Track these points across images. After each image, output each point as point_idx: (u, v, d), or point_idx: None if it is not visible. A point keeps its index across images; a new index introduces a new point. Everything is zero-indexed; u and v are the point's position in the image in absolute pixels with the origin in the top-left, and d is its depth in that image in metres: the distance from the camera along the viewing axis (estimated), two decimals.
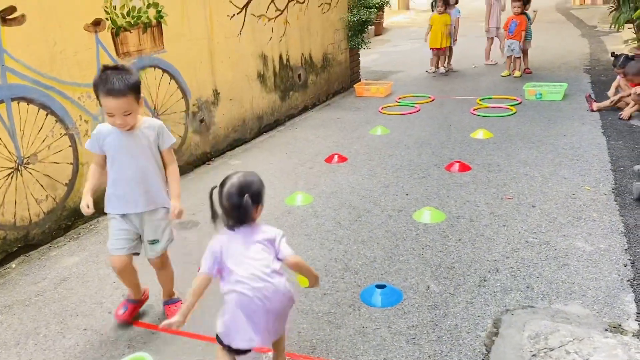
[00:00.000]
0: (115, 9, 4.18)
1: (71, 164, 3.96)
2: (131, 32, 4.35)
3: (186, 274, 3.29)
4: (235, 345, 2.07)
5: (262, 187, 2.13)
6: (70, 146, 3.93)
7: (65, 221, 3.97)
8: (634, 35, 8.31)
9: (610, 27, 8.70)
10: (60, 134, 3.85)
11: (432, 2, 9.17)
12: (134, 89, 2.43)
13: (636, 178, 4.15)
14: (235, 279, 2.03)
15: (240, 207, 2.04)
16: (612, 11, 8.18)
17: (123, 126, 2.51)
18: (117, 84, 2.36)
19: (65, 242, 3.85)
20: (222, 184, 2.09)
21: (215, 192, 2.11)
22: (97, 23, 4.04)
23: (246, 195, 2.04)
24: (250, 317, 2.03)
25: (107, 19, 4.12)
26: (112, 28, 4.18)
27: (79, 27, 3.92)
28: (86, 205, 2.55)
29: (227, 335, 2.07)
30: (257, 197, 2.10)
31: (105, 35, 4.13)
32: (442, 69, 9.08)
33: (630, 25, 8.19)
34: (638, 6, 7.22)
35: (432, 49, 9.01)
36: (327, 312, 2.83)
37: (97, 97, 2.44)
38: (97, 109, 4.11)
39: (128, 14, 4.29)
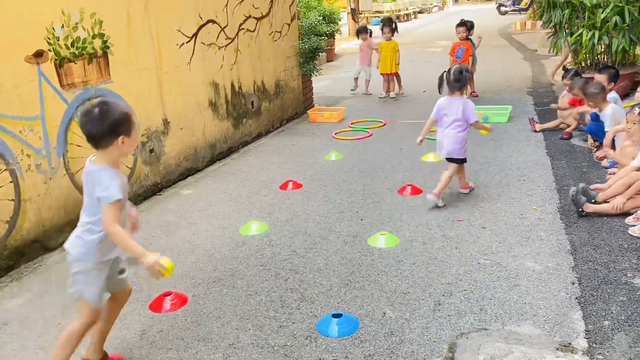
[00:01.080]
0: (58, 40, 4.07)
1: (12, 200, 3.79)
2: (76, 63, 4.24)
3: (135, 315, 3.18)
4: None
5: None
6: (11, 182, 3.77)
7: (7, 261, 3.78)
8: (571, 59, 8.74)
9: (549, 51, 9.12)
10: (0, 170, 3.69)
11: (380, 28, 9.40)
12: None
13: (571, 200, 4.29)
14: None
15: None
16: (550, 36, 8.58)
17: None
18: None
19: (6, 283, 3.65)
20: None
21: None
22: (39, 54, 3.92)
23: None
24: None
25: (49, 50, 4.01)
26: (56, 59, 4.07)
27: (20, 59, 3.79)
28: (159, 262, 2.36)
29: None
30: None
31: (48, 67, 4.01)
32: (392, 94, 9.27)
33: (567, 48, 8.61)
34: (573, 32, 7.62)
35: (382, 74, 9.22)
36: (283, 345, 2.77)
37: (129, 130, 2.40)
38: (40, 142, 3.96)
39: (72, 44, 4.19)
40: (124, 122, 2.36)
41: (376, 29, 10.74)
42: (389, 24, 9.13)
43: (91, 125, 2.32)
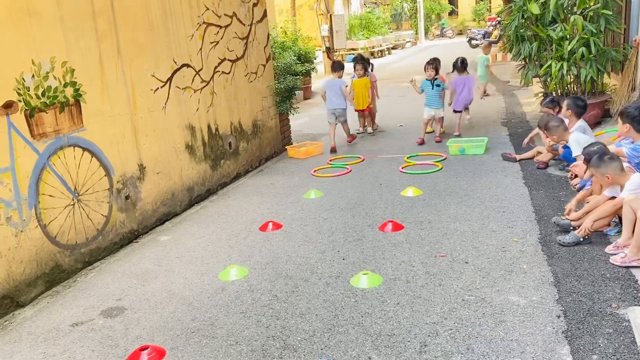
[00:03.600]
0: (28, 90, 4.02)
1: None
2: (47, 113, 4.18)
3: None
4: None
5: None
6: None
7: None
8: (542, 89, 8.94)
9: (520, 83, 9.33)
10: None
11: (353, 66, 9.53)
12: None
13: (556, 229, 4.34)
14: None
15: None
16: (521, 69, 8.79)
17: None
18: None
19: None
20: None
21: None
22: (8, 105, 3.85)
23: None
24: None
25: (20, 100, 3.94)
26: (26, 109, 4.00)
27: None
28: None
29: None
30: None
31: (18, 117, 3.94)
32: (369, 129, 9.34)
33: (538, 79, 8.82)
34: (542, 63, 7.81)
35: (357, 110, 9.29)
36: None
37: None
38: (10, 194, 3.86)
39: (43, 94, 4.14)
40: None
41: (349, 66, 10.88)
42: (361, 62, 9.26)
43: None
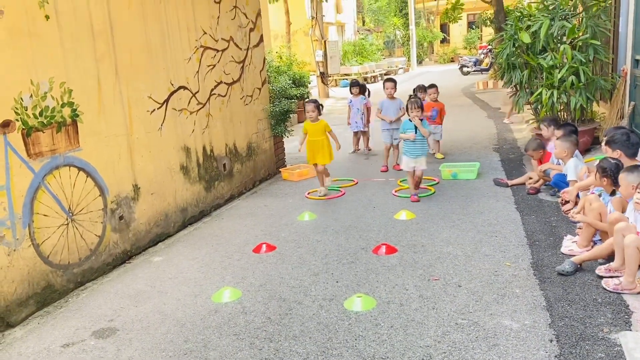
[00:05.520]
0: (26, 110, 4.04)
1: None
2: (44, 132, 4.20)
3: None
4: None
5: None
6: None
7: None
8: (533, 116, 9.09)
9: (511, 110, 9.48)
10: None
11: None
12: None
13: (548, 253, 4.37)
14: None
15: None
16: (512, 96, 8.95)
17: None
18: None
19: None
20: None
21: None
22: (5, 124, 3.87)
23: None
24: None
25: (17, 119, 3.97)
26: (23, 129, 4.02)
27: None
28: None
29: None
30: None
31: (15, 136, 3.96)
32: (365, 150, 9.54)
33: (529, 106, 8.98)
34: (533, 91, 7.97)
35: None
36: None
37: None
38: (4, 213, 3.85)
39: (41, 114, 4.17)
40: None
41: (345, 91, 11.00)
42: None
43: None
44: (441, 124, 8.71)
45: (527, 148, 6.57)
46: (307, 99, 7.54)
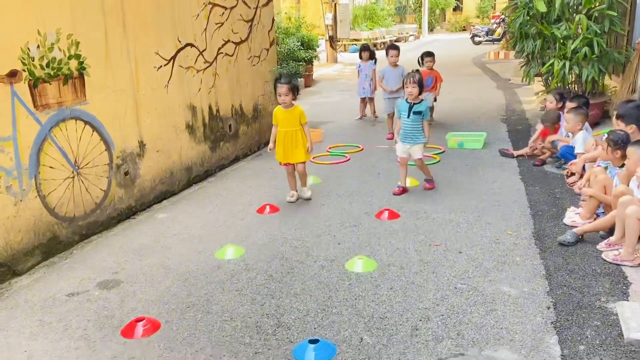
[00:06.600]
0: (33, 60, 4.02)
1: None
2: (50, 84, 4.18)
3: (106, 341, 3.09)
4: None
5: None
6: None
7: None
8: (543, 88, 8.99)
9: (522, 80, 9.36)
10: None
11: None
12: None
13: (550, 223, 4.39)
14: None
15: None
16: (523, 66, 8.82)
17: None
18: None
19: None
20: None
21: None
22: (13, 74, 3.85)
23: None
24: None
25: (24, 70, 3.94)
26: (30, 79, 4.00)
27: None
28: None
29: None
30: None
31: (22, 87, 3.94)
32: (372, 117, 9.48)
33: (540, 78, 8.86)
34: (545, 62, 7.85)
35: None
36: None
37: None
38: (11, 163, 3.87)
39: (47, 65, 4.14)
40: None
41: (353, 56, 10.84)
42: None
43: None
44: (435, 91, 8.59)
45: (545, 120, 6.43)
46: (278, 78, 5.55)
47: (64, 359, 2.91)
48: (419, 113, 5.27)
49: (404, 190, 5.43)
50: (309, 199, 5.38)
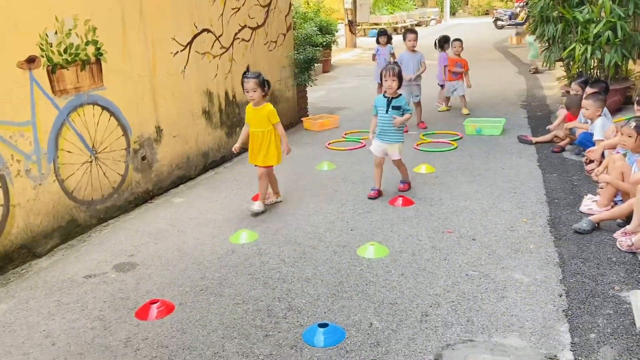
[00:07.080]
0: (51, 46, 4.08)
1: (1, 205, 3.77)
2: (68, 69, 4.25)
3: (120, 322, 3.16)
4: None
5: None
6: (0, 187, 3.75)
7: None
8: (565, 73, 8.80)
9: (543, 65, 9.18)
10: None
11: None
12: None
13: (566, 211, 4.33)
14: None
15: None
16: (544, 51, 8.65)
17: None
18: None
19: None
20: None
21: None
22: (31, 60, 3.92)
23: None
24: None
25: (42, 56, 4.01)
26: (48, 65, 4.07)
27: (12, 64, 3.79)
28: None
29: None
30: None
31: (41, 73, 4.01)
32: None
33: (561, 63, 8.68)
34: (566, 46, 7.68)
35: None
36: (268, 354, 2.76)
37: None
38: (30, 147, 3.96)
39: (65, 51, 4.20)
40: None
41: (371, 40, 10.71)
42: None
43: None
44: (462, 80, 8.48)
45: (570, 105, 6.30)
46: (245, 72, 5.15)
47: (80, 338, 2.99)
48: (397, 108, 4.81)
49: (379, 194, 4.98)
50: (256, 213, 4.64)
